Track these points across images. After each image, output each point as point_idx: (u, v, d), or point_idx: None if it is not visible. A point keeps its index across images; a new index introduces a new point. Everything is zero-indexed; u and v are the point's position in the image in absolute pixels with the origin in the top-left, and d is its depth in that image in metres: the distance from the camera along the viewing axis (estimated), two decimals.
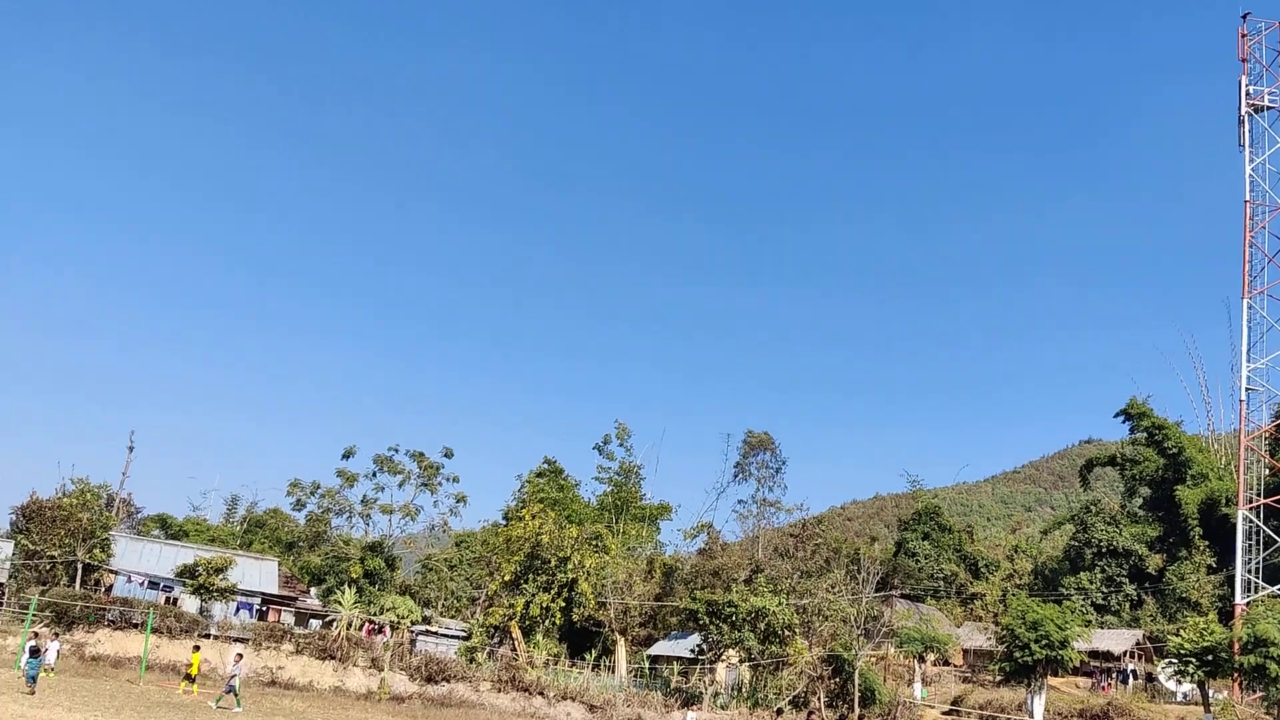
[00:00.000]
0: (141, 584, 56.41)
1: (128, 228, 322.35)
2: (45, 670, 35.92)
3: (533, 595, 57.51)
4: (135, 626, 45.96)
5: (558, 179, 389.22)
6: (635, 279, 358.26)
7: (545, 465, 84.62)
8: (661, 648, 63.33)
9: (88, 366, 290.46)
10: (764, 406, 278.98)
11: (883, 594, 64.02)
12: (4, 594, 50.57)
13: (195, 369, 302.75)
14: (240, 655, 36.89)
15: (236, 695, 33.09)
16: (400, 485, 74.38)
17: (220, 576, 52.97)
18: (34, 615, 43.23)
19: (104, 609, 47.70)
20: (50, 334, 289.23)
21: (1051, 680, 54.87)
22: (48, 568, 51.29)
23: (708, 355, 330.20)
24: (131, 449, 73.59)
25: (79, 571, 51.84)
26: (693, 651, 55.60)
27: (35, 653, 31.68)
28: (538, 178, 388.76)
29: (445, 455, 74.11)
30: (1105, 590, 76.69)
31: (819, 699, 50.56)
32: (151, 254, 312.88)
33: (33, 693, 29.38)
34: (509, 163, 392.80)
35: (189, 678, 36.96)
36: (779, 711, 41.03)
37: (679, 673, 55.13)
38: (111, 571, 56.10)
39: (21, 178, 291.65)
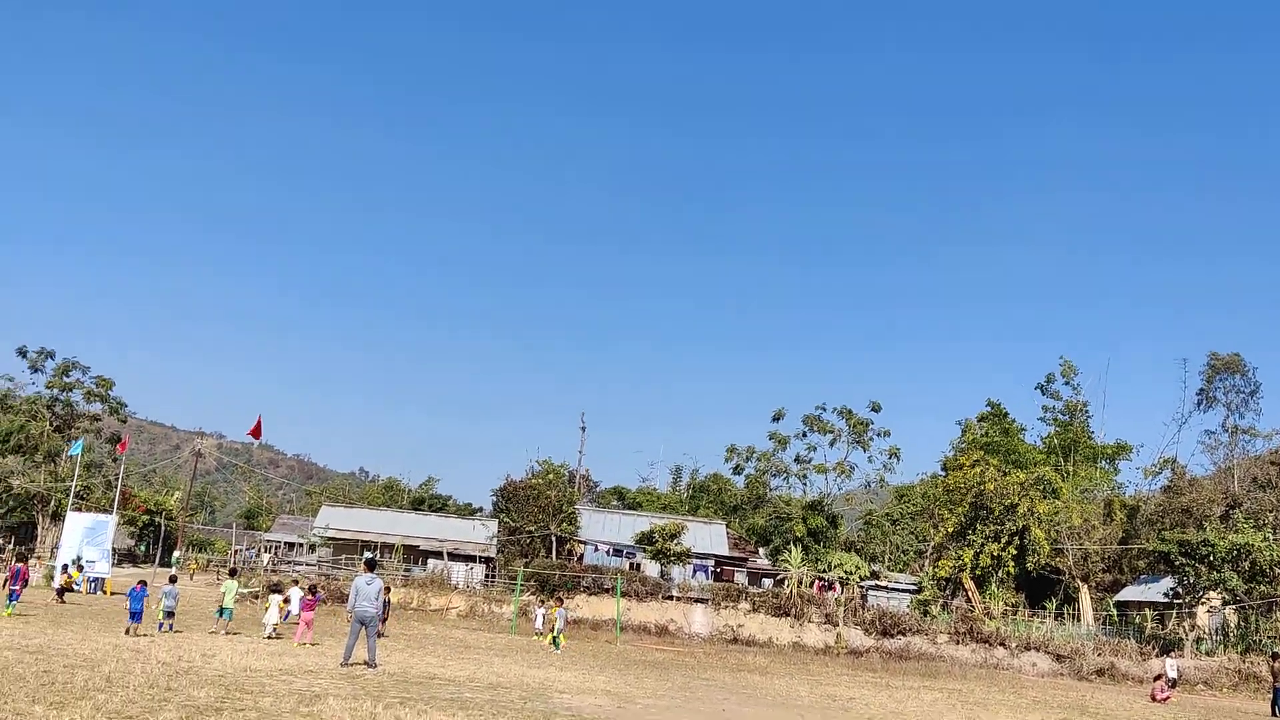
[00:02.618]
0: (607, 552, 61.09)
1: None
2: (539, 635, 39.39)
3: (981, 545, 55.70)
4: (606, 591, 49.92)
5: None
6: (1061, 192, 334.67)
7: (987, 409, 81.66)
8: (1130, 593, 59.07)
9: (546, 362, 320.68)
10: (1224, 324, 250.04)
11: None
12: (494, 568, 56.86)
13: (636, 348, 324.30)
14: (561, 601, 39.52)
15: (556, 640, 35.32)
16: (831, 444, 74.70)
17: (675, 541, 56.19)
18: (521, 585, 48.18)
19: (579, 576, 52.19)
20: (516, 339, 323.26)
21: None
22: (527, 542, 56.94)
23: (1154, 274, 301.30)
24: (584, 428, 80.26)
25: (553, 543, 57.10)
26: (1166, 595, 51.43)
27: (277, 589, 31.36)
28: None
29: (873, 410, 73.36)
30: None
31: None
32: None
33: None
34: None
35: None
36: (1275, 656, 36.81)
37: (1152, 619, 51.17)
38: (580, 542, 61.23)
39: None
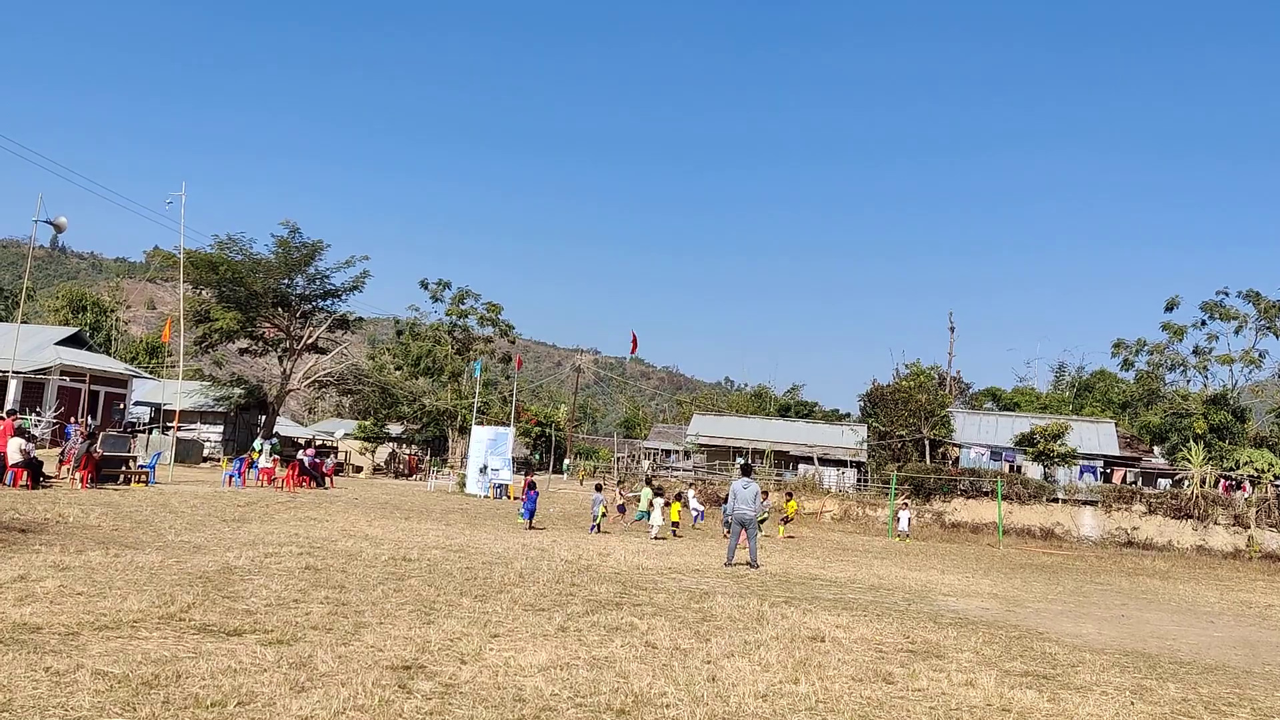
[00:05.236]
0: (982, 455, 59.06)
1: None
2: (900, 537, 39.20)
3: None
4: (985, 494, 48.37)
5: None
6: None
7: None
8: None
9: (909, 261, 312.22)
10: None
11: None
12: (866, 472, 56.64)
13: (1004, 247, 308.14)
14: (906, 504, 42.56)
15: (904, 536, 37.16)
16: (1236, 332, 67.55)
17: (1058, 442, 53.33)
18: (895, 489, 47.70)
19: (954, 479, 50.90)
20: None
21: None
22: (899, 446, 56.15)
23: None
24: (952, 329, 77.33)
25: (926, 447, 55.93)
26: None
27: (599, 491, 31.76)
28: None
29: None
30: None
31: None
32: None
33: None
34: None
35: (786, 520, 38.05)
36: None
37: None
38: (954, 445, 59.60)
39: None
